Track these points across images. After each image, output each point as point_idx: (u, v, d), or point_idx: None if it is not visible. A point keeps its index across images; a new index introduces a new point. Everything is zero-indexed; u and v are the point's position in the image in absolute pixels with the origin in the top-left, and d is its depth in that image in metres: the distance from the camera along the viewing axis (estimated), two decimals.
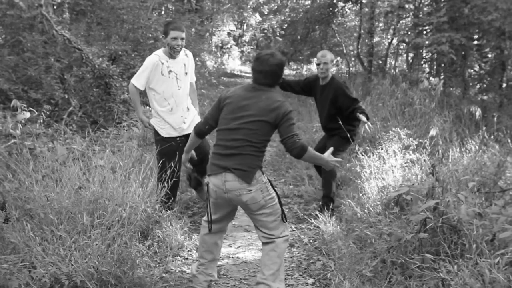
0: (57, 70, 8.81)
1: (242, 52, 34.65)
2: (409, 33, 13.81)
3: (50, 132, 6.84)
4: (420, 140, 6.58)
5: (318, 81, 5.98)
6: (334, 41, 22.43)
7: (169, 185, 4.97)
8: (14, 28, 9.58)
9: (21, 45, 9.30)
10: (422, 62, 15.87)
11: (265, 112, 3.62)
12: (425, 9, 14.01)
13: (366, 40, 18.11)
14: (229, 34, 28.62)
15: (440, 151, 6.51)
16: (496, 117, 8.51)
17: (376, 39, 18.49)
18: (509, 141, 6.64)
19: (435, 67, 15.15)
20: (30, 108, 6.69)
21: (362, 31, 18.72)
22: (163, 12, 19.18)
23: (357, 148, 6.30)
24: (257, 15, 33.23)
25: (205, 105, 12.17)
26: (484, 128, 7.50)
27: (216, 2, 26.27)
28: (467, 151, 6.35)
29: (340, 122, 5.60)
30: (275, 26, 35.72)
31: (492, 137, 7.14)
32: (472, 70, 13.99)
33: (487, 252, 3.45)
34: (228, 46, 27.76)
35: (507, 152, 6.18)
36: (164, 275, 4.20)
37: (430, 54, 14.58)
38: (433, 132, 7.11)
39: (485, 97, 12.61)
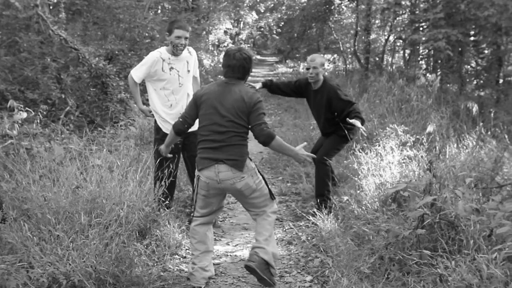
0: (54, 70, 8.81)
1: None
2: (406, 29, 13.81)
3: (47, 132, 6.84)
4: (417, 137, 6.58)
5: (310, 85, 5.82)
6: (330, 39, 22.46)
7: (167, 184, 4.97)
8: (10, 29, 9.57)
9: (17, 46, 9.30)
10: (419, 59, 15.85)
11: (240, 103, 3.90)
12: (421, 5, 13.98)
13: (363, 37, 18.08)
14: (225, 32, 28.57)
15: (437, 147, 6.52)
16: (493, 113, 8.52)
17: (372, 36, 18.44)
18: (506, 136, 6.66)
19: (432, 64, 15.16)
20: (27, 108, 6.69)
21: (358, 28, 18.70)
22: (159, 11, 19.14)
23: (354, 145, 6.29)
24: (253, 13, 33.20)
25: None
26: (481, 124, 7.51)
27: (212, 0, 26.20)
28: (464, 147, 6.36)
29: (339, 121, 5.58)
30: (272, 24, 35.81)
31: (489, 132, 7.16)
32: (469, 66, 13.98)
33: (484, 248, 3.46)
34: (225, 44, 27.69)
35: (504, 147, 6.20)
36: (162, 273, 4.20)
37: (427, 50, 14.59)
38: (430, 128, 7.12)
39: (482, 93, 12.60)
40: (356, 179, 5.55)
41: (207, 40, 25.15)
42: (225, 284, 4.20)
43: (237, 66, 3.95)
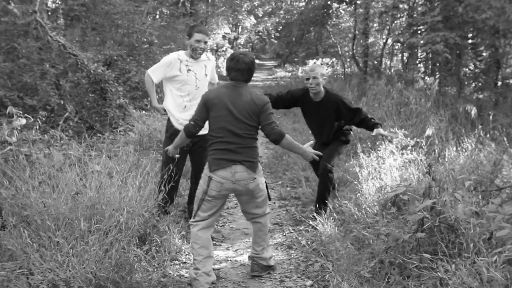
0: (53, 76, 8.81)
1: None
2: (404, 33, 13.83)
3: (46, 138, 6.84)
4: (417, 140, 6.58)
5: (308, 97, 5.60)
6: (329, 42, 22.51)
7: (167, 189, 4.98)
8: (9, 35, 9.57)
9: (16, 52, 9.30)
10: (417, 62, 15.88)
11: (251, 105, 4.04)
12: (419, 8, 14.01)
13: (361, 41, 18.12)
14: (224, 37, 28.62)
15: (436, 150, 6.52)
16: (491, 115, 8.52)
17: (371, 39, 18.52)
18: (505, 139, 6.66)
19: (430, 67, 15.17)
20: (26, 115, 6.68)
21: (356, 31, 18.75)
22: (157, 17, 19.18)
23: (355, 148, 6.29)
24: (251, 17, 33.28)
25: None
26: (480, 126, 7.50)
27: (210, 5, 26.28)
28: (463, 150, 6.36)
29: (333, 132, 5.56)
30: (270, 29, 35.83)
31: (488, 135, 7.15)
32: (467, 69, 14.00)
33: (484, 251, 3.46)
34: (223, 49, 27.75)
35: (503, 150, 6.20)
36: (162, 279, 4.19)
37: (425, 53, 14.59)
38: (429, 131, 7.12)
39: (480, 96, 12.62)
40: (356, 182, 5.55)
41: None
42: None
43: (245, 70, 4.09)
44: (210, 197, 4.09)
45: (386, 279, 3.85)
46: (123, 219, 4.27)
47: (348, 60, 21.04)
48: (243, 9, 30.99)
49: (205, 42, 5.12)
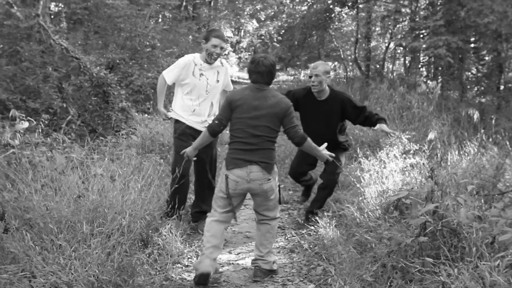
0: (55, 79, 8.83)
1: (239, 58, 34.66)
2: (406, 37, 13.84)
3: (48, 141, 6.84)
4: (419, 144, 6.57)
5: (311, 96, 5.44)
6: (331, 46, 22.47)
7: (169, 191, 4.99)
8: (12, 38, 9.60)
9: (18, 55, 9.32)
10: (420, 66, 15.88)
11: (274, 109, 4.13)
12: (421, 12, 14.04)
13: (363, 45, 18.15)
14: (226, 40, 28.65)
15: (438, 154, 6.52)
16: (494, 119, 8.51)
17: (373, 43, 18.51)
18: (508, 143, 6.65)
19: (432, 71, 15.18)
20: (29, 118, 6.68)
21: (359, 35, 18.76)
22: (160, 20, 19.22)
23: (357, 152, 6.29)
24: (254, 21, 33.25)
25: None
26: (483, 130, 7.51)
27: (213, 9, 26.32)
28: (466, 154, 6.36)
29: (337, 134, 5.52)
30: (272, 32, 35.80)
31: (490, 139, 7.15)
32: (469, 73, 14.00)
33: (487, 255, 3.45)
34: (226, 52, 27.79)
35: (506, 154, 6.20)
36: (164, 282, 4.18)
37: (427, 57, 14.62)
38: (431, 135, 7.12)
39: (483, 100, 12.61)
40: (358, 185, 5.54)
41: None
42: None
43: (266, 72, 4.16)
44: (226, 194, 4.17)
45: (388, 283, 3.84)
46: (126, 222, 4.27)
47: (350, 64, 21.04)
48: (246, 12, 30.98)
49: (222, 48, 5.12)
